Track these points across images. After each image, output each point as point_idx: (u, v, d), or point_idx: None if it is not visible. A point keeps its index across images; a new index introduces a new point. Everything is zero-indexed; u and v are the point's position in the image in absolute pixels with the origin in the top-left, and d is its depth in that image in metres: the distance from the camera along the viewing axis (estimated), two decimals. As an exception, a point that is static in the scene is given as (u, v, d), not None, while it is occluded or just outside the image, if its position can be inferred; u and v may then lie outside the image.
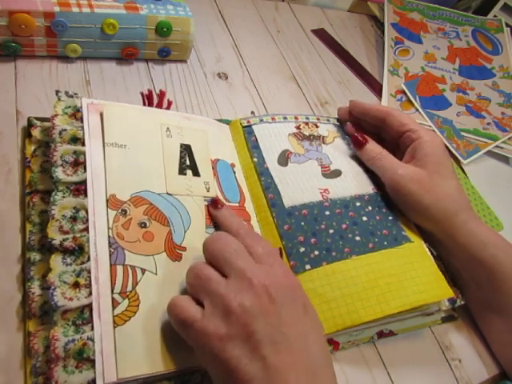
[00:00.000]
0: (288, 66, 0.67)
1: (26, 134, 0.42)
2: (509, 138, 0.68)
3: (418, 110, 0.68)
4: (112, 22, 0.49)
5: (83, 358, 0.29)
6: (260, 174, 0.44)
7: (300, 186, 0.44)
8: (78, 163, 0.36)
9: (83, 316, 0.31)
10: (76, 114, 0.39)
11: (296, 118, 0.50)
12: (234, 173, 0.45)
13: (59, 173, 0.35)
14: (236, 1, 0.73)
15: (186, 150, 0.41)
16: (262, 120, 0.48)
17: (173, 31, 0.53)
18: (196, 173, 0.41)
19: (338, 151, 0.48)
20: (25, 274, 0.35)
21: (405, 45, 0.78)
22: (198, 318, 0.29)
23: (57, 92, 0.40)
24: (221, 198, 0.41)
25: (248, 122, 0.48)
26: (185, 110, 0.54)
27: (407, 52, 0.77)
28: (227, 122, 0.49)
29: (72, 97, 0.40)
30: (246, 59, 0.64)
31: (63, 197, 0.34)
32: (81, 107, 0.38)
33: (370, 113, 0.49)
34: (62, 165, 0.35)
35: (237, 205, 0.42)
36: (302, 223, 0.41)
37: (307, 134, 0.49)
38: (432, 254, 0.44)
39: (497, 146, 0.67)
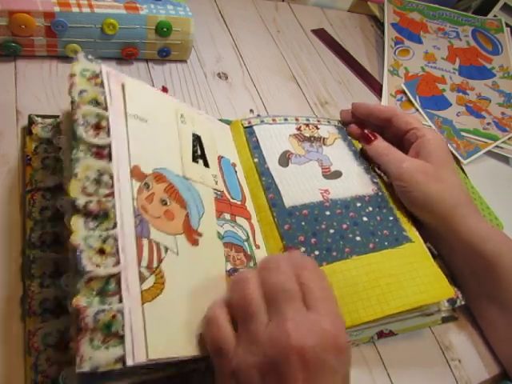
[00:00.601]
0: (288, 65, 0.67)
1: (27, 131, 0.42)
2: (509, 138, 0.68)
3: (417, 110, 0.68)
4: (112, 22, 0.49)
5: (111, 332, 0.27)
6: (261, 174, 0.44)
7: (300, 186, 0.44)
8: (100, 127, 0.34)
9: (109, 287, 0.28)
10: (95, 79, 0.36)
11: (297, 120, 0.50)
12: (236, 172, 0.45)
13: (81, 131, 0.32)
14: (236, 1, 0.73)
15: (197, 140, 0.41)
16: (262, 121, 0.48)
17: (173, 31, 0.53)
18: (206, 164, 0.40)
19: (338, 153, 0.48)
20: (24, 271, 0.35)
21: (405, 45, 0.78)
22: (230, 348, 0.29)
23: (75, 52, 0.38)
24: (226, 193, 0.41)
25: (249, 122, 0.48)
26: (185, 109, 0.54)
27: (407, 52, 0.77)
28: (227, 122, 0.49)
29: (91, 61, 0.37)
30: (246, 59, 0.64)
31: (85, 157, 0.32)
32: (100, 73, 0.36)
33: (374, 113, 0.50)
34: (83, 124, 0.33)
35: (239, 203, 0.42)
36: (303, 223, 0.41)
37: (308, 135, 0.49)
38: (433, 254, 0.44)
39: (497, 146, 0.67)
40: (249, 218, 0.42)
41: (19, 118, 0.44)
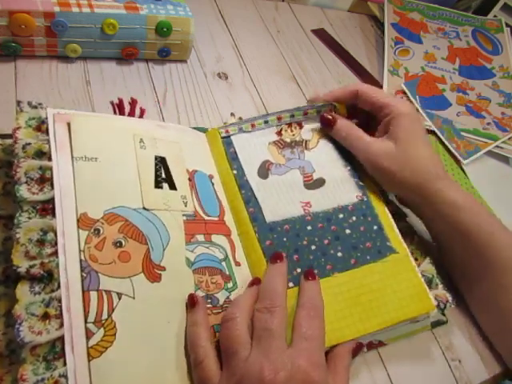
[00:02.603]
0: (288, 65, 0.67)
1: None
2: (509, 138, 0.68)
3: (418, 110, 0.68)
4: (112, 22, 0.49)
5: None
6: (240, 187, 0.43)
7: (281, 199, 0.43)
8: (45, 180, 0.33)
9: (55, 350, 0.28)
10: (41, 127, 0.35)
11: (279, 119, 0.47)
12: (213, 184, 0.43)
13: (24, 191, 0.31)
14: (236, 1, 0.73)
15: (161, 162, 0.39)
16: (241, 129, 0.46)
17: (173, 31, 0.53)
18: (172, 186, 0.38)
19: (321, 157, 0.46)
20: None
21: (405, 45, 0.78)
22: (215, 382, 0.31)
23: (18, 102, 0.36)
24: (200, 212, 0.39)
25: (226, 131, 0.46)
26: (185, 109, 0.54)
27: (407, 52, 0.77)
28: (203, 130, 0.47)
29: (36, 107, 0.36)
30: (246, 59, 0.64)
31: (29, 218, 0.31)
32: (46, 118, 0.35)
33: (338, 99, 0.48)
34: (26, 182, 0.32)
35: (216, 219, 0.40)
36: (284, 239, 0.40)
37: (288, 140, 0.46)
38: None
39: (497, 146, 0.66)
40: (228, 235, 0.40)
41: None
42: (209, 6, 0.69)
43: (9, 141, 0.37)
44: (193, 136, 0.45)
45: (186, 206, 0.38)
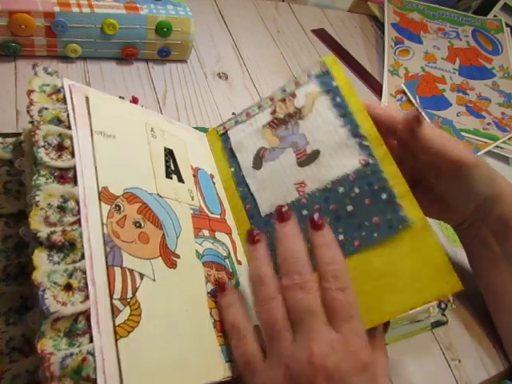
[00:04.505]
0: (288, 66, 0.67)
1: None
2: (509, 138, 0.68)
3: (417, 109, 0.68)
4: (112, 22, 0.49)
5: (81, 377, 0.25)
6: (237, 185, 0.42)
7: (275, 186, 0.40)
8: (63, 147, 0.31)
9: (77, 325, 0.26)
10: (56, 95, 0.34)
11: (271, 100, 0.43)
12: (214, 184, 0.43)
13: (42, 154, 0.30)
14: (236, 1, 0.73)
15: (170, 154, 0.39)
16: (237, 121, 0.45)
17: (173, 31, 0.53)
18: (180, 179, 0.38)
19: (316, 122, 0.40)
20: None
21: (405, 45, 0.78)
22: (257, 365, 0.30)
23: (33, 66, 0.34)
24: (204, 208, 0.39)
25: (224, 128, 0.45)
26: (185, 109, 0.54)
27: (407, 52, 0.77)
28: (203, 130, 0.47)
29: (51, 74, 0.34)
30: (245, 59, 0.64)
31: (46, 183, 0.29)
32: (62, 88, 0.34)
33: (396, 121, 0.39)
34: (44, 146, 0.30)
35: (218, 217, 0.40)
36: None
37: (282, 116, 0.42)
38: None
39: (497, 146, 0.67)
40: (229, 233, 0.40)
41: (19, 118, 0.44)
42: (209, 6, 0.69)
43: (9, 139, 0.37)
44: (195, 135, 0.46)
45: (192, 199, 0.38)
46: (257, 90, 0.60)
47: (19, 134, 0.38)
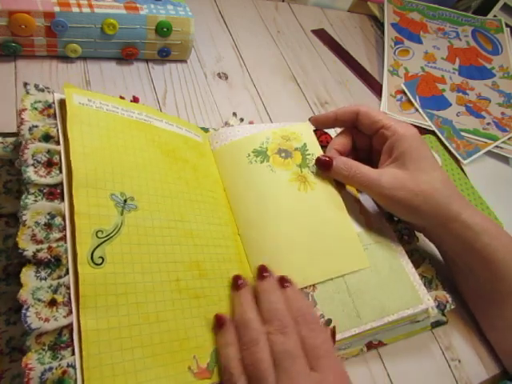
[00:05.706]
0: (288, 66, 0.67)
1: None
2: (509, 138, 0.68)
3: (417, 110, 0.68)
4: (112, 22, 0.49)
5: None
6: None
7: None
8: (52, 164, 0.32)
9: (61, 339, 0.27)
10: (47, 110, 0.35)
11: None
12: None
13: (31, 173, 0.31)
14: (236, 1, 0.73)
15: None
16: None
17: (173, 31, 0.53)
18: None
19: None
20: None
21: (405, 45, 0.78)
22: None
23: (25, 84, 0.35)
24: None
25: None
26: (185, 109, 0.54)
27: (407, 52, 0.77)
28: (204, 130, 0.47)
29: (43, 91, 0.35)
30: (245, 59, 0.64)
31: (35, 201, 0.30)
32: (53, 103, 0.35)
33: (339, 118, 0.45)
34: (33, 164, 0.31)
35: None
36: None
37: None
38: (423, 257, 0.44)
39: (497, 146, 0.67)
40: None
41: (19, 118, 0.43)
42: (209, 6, 0.69)
43: (10, 139, 0.37)
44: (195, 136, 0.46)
45: None
46: (257, 90, 0.60)
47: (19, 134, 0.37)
